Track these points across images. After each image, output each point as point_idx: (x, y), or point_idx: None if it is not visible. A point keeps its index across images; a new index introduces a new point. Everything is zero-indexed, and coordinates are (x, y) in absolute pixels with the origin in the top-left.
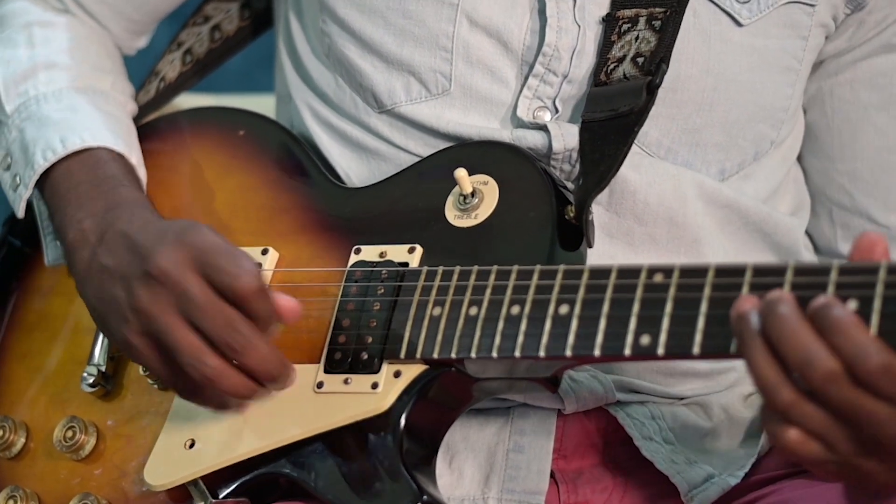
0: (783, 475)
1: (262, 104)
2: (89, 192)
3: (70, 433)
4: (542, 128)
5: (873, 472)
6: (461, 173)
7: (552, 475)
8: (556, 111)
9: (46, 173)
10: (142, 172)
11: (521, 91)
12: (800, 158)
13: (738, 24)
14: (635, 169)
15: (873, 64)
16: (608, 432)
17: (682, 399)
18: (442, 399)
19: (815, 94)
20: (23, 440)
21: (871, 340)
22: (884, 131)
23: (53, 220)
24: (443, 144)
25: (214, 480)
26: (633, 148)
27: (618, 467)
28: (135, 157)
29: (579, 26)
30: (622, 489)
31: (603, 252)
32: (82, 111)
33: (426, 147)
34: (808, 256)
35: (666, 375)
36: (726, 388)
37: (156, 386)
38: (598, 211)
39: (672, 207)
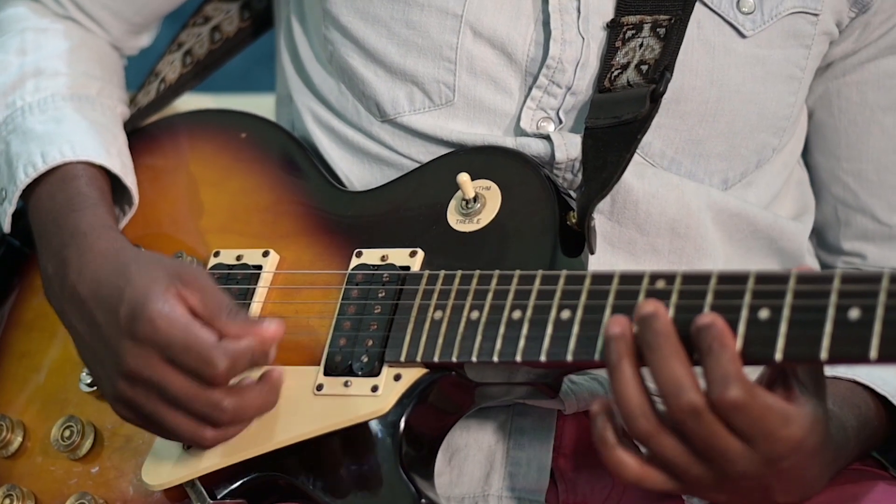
0: None
1: (262, 104)
2: (49, 228)
3: (67, 432)
4: (546, 137)
5: (716, 498)
6: (464, 178)
7: (552, 474)
8: (560, 122)
9: (31, 187)
10: (130, 179)
11: (524, 102)
12: (807, 154)
13: (742, 35)
14: (639, 178)
15: (880, 65)
16: None
17: None
18: (442, 403)
19: (823, 95)
20: (20, 439)
21: (738, 372)
22: (890, 132)
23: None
24: (446, 152)
25: (212, 481)
26: (637, 158)
27: None
28: (118, 164)
29: (583, 38)
30: (621, 488)
31: (605, 261)
32: (66, 121)
33: (429, 155)
34: (811, 261)
35: None
36: None
37: None
38: (601, 220)
39: (675, 218)
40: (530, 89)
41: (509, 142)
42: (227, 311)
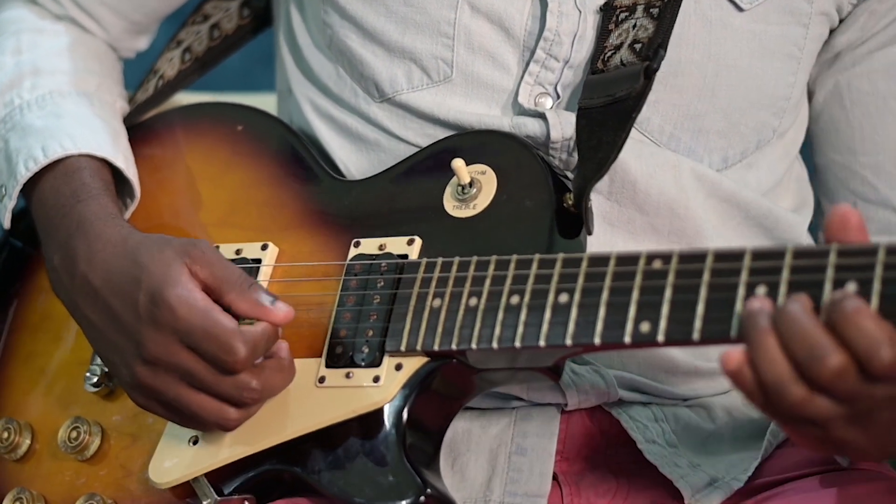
0: (787, 478)
1: (261, 102)
2: (55, 219)
3: (74, 433)
4: (542, 115)
5: (858, 442)
6: (458, 163)
7: (555, 477)
8: (558, 97)
9: (31, 184)
10: (131, 172)
11: (522, 77)
12: (821, 156)
13: (739, 8)
14: (636, 158)
15: (889, 53)
16: (611, 434)
17: (685, 400)
18: (444, 391)
19: (833, 89)
20: (28, 442)
21: (885, 332)
22: None
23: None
24: (442, 133)
25: (218, 477)
26: (636, 135)
27: (621, 470)
28: (121, 158)
29: (580, 11)
30: (625, 491)
31: (604, 241)
32: (66, 116)
33: (424, 136)
34: None
35: (669, 374)
36: (730, 390)
37: None
38: (599, 200)
39: (674, 198)
40: (528, 64)
41: (506, 121)
42: (237, 284)
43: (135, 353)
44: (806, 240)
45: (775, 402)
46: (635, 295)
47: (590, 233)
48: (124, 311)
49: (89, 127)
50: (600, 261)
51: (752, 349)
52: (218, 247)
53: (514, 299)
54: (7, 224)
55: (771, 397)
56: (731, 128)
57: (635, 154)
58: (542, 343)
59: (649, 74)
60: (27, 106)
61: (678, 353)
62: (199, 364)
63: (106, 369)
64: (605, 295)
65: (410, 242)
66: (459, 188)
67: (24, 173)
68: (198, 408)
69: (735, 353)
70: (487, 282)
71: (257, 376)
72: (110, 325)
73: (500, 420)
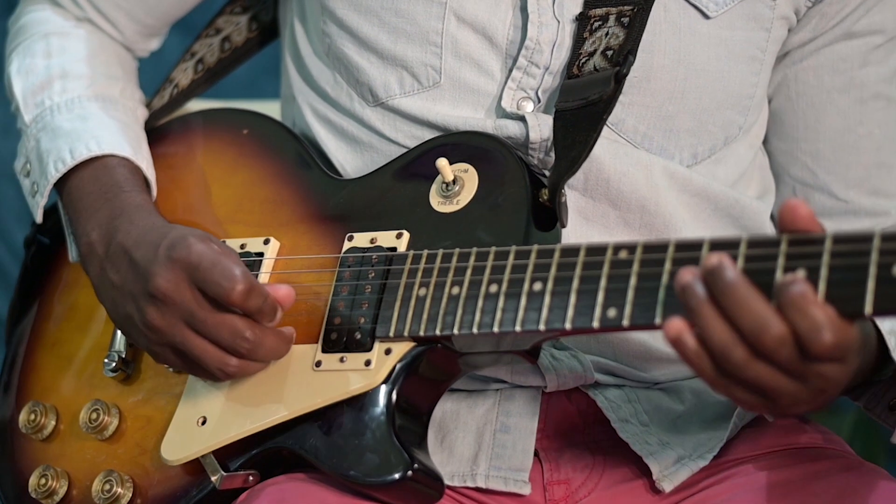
0: (750, 457)
1: (266, 109)
2: (95, 203)
3: (94, 415)
4: (522, 118)
5: (800, 406)
6: (442, 162)
7: (536, 453)
8: (539, 101)
9: (62, 180)
10: (150, 173)
11: (505, 83)
12: (765, 142)
13: (706, 16)
14: (611, 157)
15: (835, 50)
16: (588, 414)
17: (656, 384)
18: (430, 373)
19: (781, 82)
20: (53, 423)
21: (825, 316)
22: (844, 113)
23: (70, 228)
24: (430, 135)
25: (225, 454)
26: (611, 136)
27: (597, 447)
28: (142, 159)
29: (559, 21)
30: (601, 467)
31: (580, 234)
32: (92, 119)
33: (413, 138)
34: None
35: (642, 360)
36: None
37: (170, 370)
38: (575, 196)
39: (644, 196)
40: (510, 70)
41: (489, 123)
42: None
43: (144, 290)
44: (769, 225)
45: (721, 363)
46: (603, 283)
47: (563, 225)
48: (143, 257)
49: (112, 130)
50: (571, 251)
51: (696, 317)
52: (225, 242)
53: (493, 288)
54: (39, 219)
55: (717, 359)
56: (700, 127)
57: (611, 154)
58: (517, 328)
59: (619, 79)
60: (56, 108)
61: (651, 340)
62: (200, 304)
63: (123, 355)
64: (575, 283)
65: (399, 236)
66: (444, 185)
67: (53, 174)
68: (201, 352)
69: (676, 321)
70: (468, 272)
71: (251, 328)
72: (128, 274)
73: (485, 401)
